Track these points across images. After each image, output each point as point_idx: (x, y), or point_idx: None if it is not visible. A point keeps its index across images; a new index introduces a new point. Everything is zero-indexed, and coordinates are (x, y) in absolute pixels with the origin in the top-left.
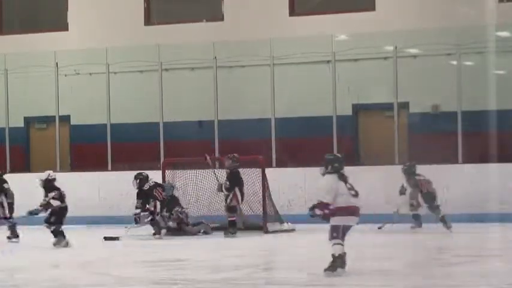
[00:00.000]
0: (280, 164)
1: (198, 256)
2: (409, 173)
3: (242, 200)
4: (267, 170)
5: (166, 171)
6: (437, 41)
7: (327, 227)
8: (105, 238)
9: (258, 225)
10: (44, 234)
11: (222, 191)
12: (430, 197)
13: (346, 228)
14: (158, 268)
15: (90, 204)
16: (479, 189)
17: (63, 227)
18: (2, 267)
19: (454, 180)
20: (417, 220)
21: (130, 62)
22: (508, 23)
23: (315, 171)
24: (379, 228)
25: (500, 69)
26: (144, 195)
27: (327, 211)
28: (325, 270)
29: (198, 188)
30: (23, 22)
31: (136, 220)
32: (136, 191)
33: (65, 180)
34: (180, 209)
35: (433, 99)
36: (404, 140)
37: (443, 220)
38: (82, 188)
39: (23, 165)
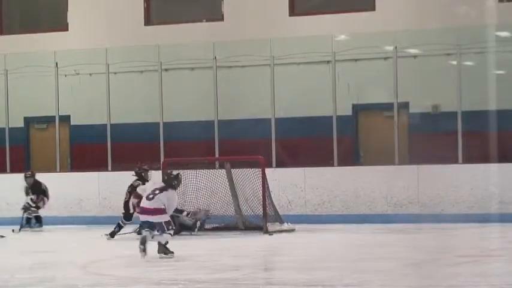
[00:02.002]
0: (280, 164)
1: (198, 256)
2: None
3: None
4: (267, 170)
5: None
6: (437, 41)
7: (326, 227)
8: None
9: (258, 225)
10: (45, 235)
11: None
12: None
13: (145, 223)
14: (158, 268)
15: (90, 204)
16: (480, 189)
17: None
18: (3, 267)
19: (454, 180)
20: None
21: (130, 62)
22: (508, 23)
23: (315, 171)
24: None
25: (500, 69)
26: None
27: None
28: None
29: (198, 188)
30: (23, 22)
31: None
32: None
33: (65, 180)
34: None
35: (433, 99)
36: (405, 140)
37: None
38: (82, 188)
39: (23, 165)
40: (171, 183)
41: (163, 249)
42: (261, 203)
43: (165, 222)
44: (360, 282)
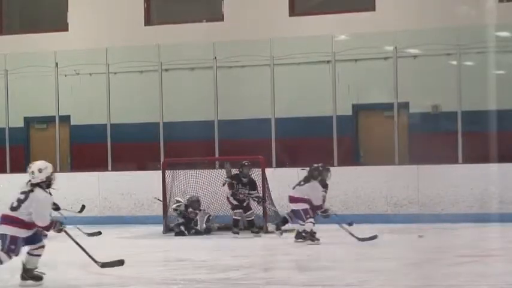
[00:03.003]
0: (280, 164)
1: (198, 256)
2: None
3: None
4: (267, 170)
5: (167, 171)
6: (437, 41)
7: (326, 227)
8: None
9: (258, 225)
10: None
11: None
12: None
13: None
14: (158, 268)
15: (90, 204)
16: (479, 189)
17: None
18: (3, 267)
19: (454, 180)
20: None
21: (130, 62)
22: (508, 23)
23: None
24: None
25: (500, 69)
26: None
27: None
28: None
29: (198, 188)
30: (23, 22)
31: None
32: None
33: (65, 180)
34: None
35: (433, 99)
36: (405, 140)
37: None
38: (82, 188)
39: (23, 165)
40: (312, 174)
41: (310, 237)
42: (261, 203)
43: (302, 210)
44: (360, 282)
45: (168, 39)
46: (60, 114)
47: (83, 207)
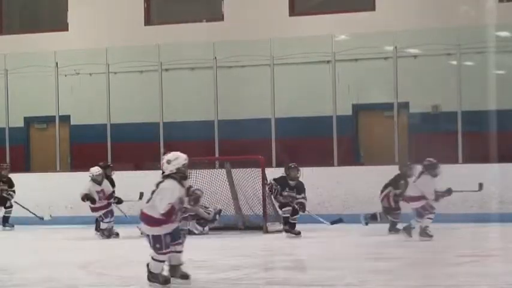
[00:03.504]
0: (280, 164)
1: (198, 256)
2: None
3: None
4: (267, 170)
5: None
6: (437, 41)
7: (326, 227)
8: None
9: (258, 225)
10: (44, 234)
11: None
12: None
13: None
14: None
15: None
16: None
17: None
18: (2, 266)
19: (454, 180)
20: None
21: (130, 62)
22: (508, 23)
23: (315, 171)
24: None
25: (500, 69)
26: None
27: None
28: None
29: (197, 188)
30: (23, 22)
31: None
32: None
33: (65, 180)
34: None
35: (433, 99)
36: (405, 140)
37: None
38: (82, 187)
39: (23, 165)
40: (425, 169)
41: (422, 232)
42: (261, 203)
43: (421, 207)
44: (360, 282)
45: (168, 39)
46: (60, 114)
47: (142, 194)
